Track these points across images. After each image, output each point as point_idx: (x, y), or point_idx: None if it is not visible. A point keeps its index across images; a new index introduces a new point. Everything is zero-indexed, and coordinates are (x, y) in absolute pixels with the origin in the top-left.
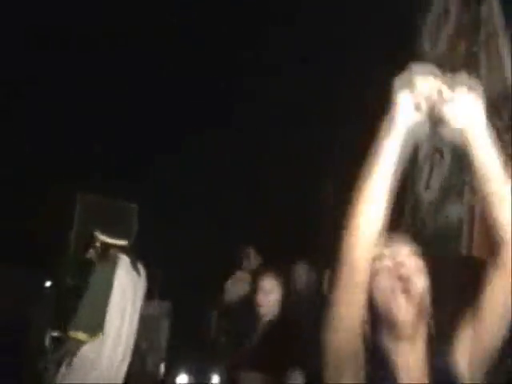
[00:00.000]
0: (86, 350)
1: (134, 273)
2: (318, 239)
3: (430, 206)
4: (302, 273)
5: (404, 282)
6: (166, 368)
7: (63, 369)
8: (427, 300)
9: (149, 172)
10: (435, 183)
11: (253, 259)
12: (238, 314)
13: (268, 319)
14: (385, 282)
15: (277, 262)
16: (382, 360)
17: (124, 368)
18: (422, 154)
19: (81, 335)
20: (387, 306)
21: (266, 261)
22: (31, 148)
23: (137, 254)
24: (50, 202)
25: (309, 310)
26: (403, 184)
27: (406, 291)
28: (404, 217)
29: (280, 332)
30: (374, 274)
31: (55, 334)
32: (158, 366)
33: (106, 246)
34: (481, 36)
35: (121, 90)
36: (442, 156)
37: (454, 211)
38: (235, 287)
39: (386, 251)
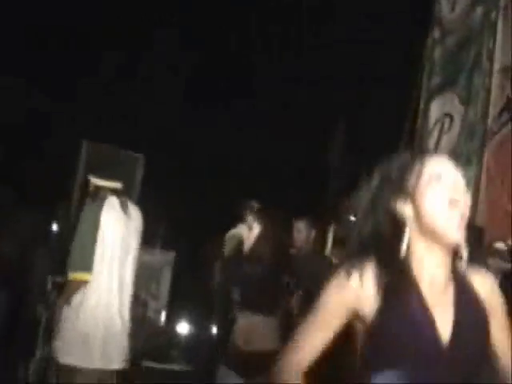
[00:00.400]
0: (84, 295)
1: (124, 213)
2: (321, 198)
3: None
4: (301, 228)
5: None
6: (167, 316)
7: (63, 315)
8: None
9: (155, 123)
10: (444, 147)
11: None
12: (237, 263)
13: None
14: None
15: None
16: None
17: (127, 312)
18: (432, 119)
19: (82, 275)
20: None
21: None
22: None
23: (135, 199)
24: (56, 148)
25: (306, 266)
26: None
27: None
28: None
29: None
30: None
31: (58, 279)
32: (159, 314)
33: (97, 189)
34: (500, 2)
35: None
36: (451, 121)
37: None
38: (235, 238)
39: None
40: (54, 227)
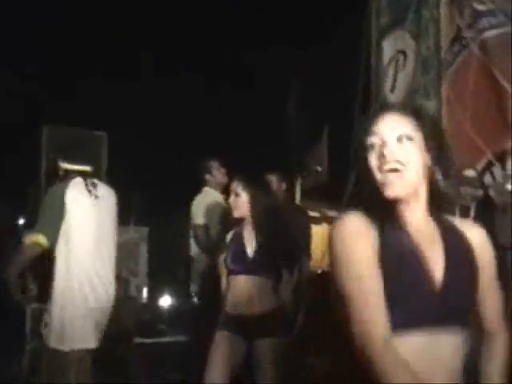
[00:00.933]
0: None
1: (91, 194)
2: (284, 152)
3: (398, 107)
4: (273, 182)
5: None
6: (149, 291)
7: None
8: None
9: (118, 99)
10: (401, 84)
11: (216, 172)
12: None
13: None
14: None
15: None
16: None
17: (108, 291)
18: (385, 58)
19: (40, 238)
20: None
21: (231, 172)
22: None
23: (103, 178)
24: (18, 136)
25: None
26: (367, 90)
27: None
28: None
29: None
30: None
31: None
32: (140, 291)
33: (66, 172)
34: None
35: None
36: (405, 58)
37: None
38: (203, 202)
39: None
40: (21, 221)
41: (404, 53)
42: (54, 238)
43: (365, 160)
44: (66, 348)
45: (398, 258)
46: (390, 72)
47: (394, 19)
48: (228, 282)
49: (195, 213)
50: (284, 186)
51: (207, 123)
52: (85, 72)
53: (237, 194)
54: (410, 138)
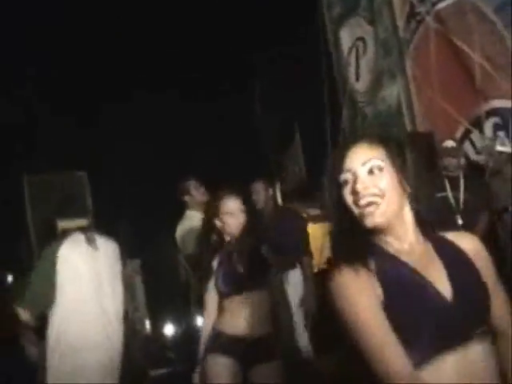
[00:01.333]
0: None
1: (90, 247)
2: (261, 157)
3: (366, 95)
4: (259, 189)
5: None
6: (151, 323)
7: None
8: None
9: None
10: (364, 71)
11: (195, 192)
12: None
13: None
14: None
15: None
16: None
17: (119, 338)
18: (345, 48)
19: (21, 313)
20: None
21: (212, 189)
22: None
23: (96, 229)
24: None
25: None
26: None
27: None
28: (342, 118)
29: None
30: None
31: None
32: (143, 324)
33: (65, 231)
34: None
35: None
36: (364, 44)
37: (390, 93)
38: (187, 230)
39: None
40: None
41: (362, 39)
42: (38, 310)
43: (339, 198)
44: None
45: (402, 293)
46: (352, 61)
47: (346, 8)
48: (223, 306)
49: (181, 243)
50: (271, 191)
51: (180, 145)
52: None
53: (232, 215)
54: (380, 169)
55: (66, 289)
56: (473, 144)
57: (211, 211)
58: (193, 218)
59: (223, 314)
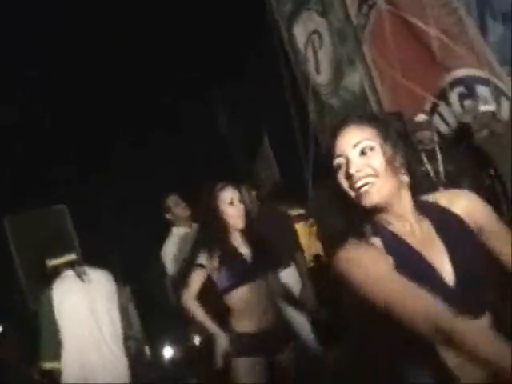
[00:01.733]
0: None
1: (82, 281)
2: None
3: (329, 86)
4: (243, 193)
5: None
6: (151, 348)
7: None
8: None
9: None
10: (324, 63)
11: (176, 209)
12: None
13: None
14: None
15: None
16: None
17: (122, 364)
18: (301, 43)
19: (53, 364)
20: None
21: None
22: None
23: (85, 261)
24: None
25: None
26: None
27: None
28: (309, 113)
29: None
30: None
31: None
32: (142, 352)
33: (55, 268)
34: None
35: None
36: (320, 37)
37: (352, 80)
38: (169, 244)
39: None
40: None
41: (317, 32)
42: (59, 356)
43: (335, 183)
44: None
45: (407, 273)
46: (310, 55)
47: (296, 4)
48: (230, 306)
49: (166, 262)
50: (254, 193)
51: (158, 166)
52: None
53: (233, 204)
54: (372, 148)
55: (67, 328)
56: (442, 117)
57: (211, 206)
58: (176, 235)
59: (234, 314)
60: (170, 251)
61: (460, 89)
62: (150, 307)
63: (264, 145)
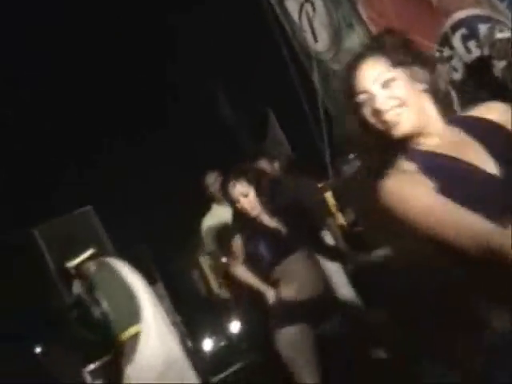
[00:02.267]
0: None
1: (126, 265)
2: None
3: (329, 52)
4: (265, 166)
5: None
6: (192, 342)
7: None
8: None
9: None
10: (321, 30)
11: (212, 186)
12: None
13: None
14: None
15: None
16: None
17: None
18: (294, 15)
19: (132, 329)
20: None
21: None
22: None
23: (110, 249)
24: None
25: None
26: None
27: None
28: (314, 83)
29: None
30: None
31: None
32: (186, 343)
33: (80, 266)
34: None
35: None
36: (312, 4)
37: (352, 42)
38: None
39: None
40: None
41: (309, 1)
42: (139, 316)
43: (360, 119)
44: None
45: (450, 183)
46: (305, 24)
47: None
48: (271, 278)
49: (203, 238)
50: (277, 164)
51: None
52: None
53: (245, 195)
54: (393, 79)
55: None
56: (448, 63)
57: (229, 198)
58: (215, 211)
59: (277, 285)
60: (209, 226)
61: (462, 31)
62: (183, 302)
63: (271, 123)
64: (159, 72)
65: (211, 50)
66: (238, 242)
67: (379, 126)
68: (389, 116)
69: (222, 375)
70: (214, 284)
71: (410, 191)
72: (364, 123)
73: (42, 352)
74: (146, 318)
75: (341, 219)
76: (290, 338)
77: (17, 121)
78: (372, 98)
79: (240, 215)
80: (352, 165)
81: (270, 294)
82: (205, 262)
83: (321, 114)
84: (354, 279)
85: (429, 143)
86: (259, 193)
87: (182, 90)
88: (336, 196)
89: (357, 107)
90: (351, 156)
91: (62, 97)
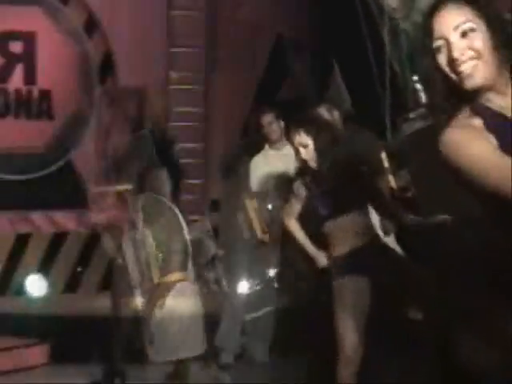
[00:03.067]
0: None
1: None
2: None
3: (400, 10)
4: (324, 114)
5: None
6: (228, 282)
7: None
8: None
9: None
10: None
11: (267, 128)
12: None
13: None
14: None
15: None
16: None
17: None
18: None
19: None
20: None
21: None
22: None
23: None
24: None
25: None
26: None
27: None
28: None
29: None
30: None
31: None
32: (219, 283)
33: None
34: None
35: None
36: None
37: (425, 4)
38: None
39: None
40: None
41: None
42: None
43: (434, 66)
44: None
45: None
46: None
47: None
48: (325, 230)
49: (253, 176)
50: (337, 113)
51: None
52: None
53: (305, 146)
54: (473, 30)
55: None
56: None
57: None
58: (267, 152)
59: (330, 239)
60: (258, 167)
61: None
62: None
63: (334, 74)
64: None
65: None
66: (299, 191)
67: (452, 75)
68: (464, 66)
69: (254, 314)
70: (258, 228)
71: (476, 146)
72: (438, 71)
73: None
74: (189, 269)
75: (392, 182)
76: (347, 288)
77: None
78: (449, 45)
79: (300, 164)
80: (411, 124)
81: (321, 259)
82: (250, 204)
83: (386, 71)
84: (402, 240)
85: (499, 102)
86: (318, 145)
87: None
88: (391, 157)
89: (433, 54)
90: (412, 115)
91: None
